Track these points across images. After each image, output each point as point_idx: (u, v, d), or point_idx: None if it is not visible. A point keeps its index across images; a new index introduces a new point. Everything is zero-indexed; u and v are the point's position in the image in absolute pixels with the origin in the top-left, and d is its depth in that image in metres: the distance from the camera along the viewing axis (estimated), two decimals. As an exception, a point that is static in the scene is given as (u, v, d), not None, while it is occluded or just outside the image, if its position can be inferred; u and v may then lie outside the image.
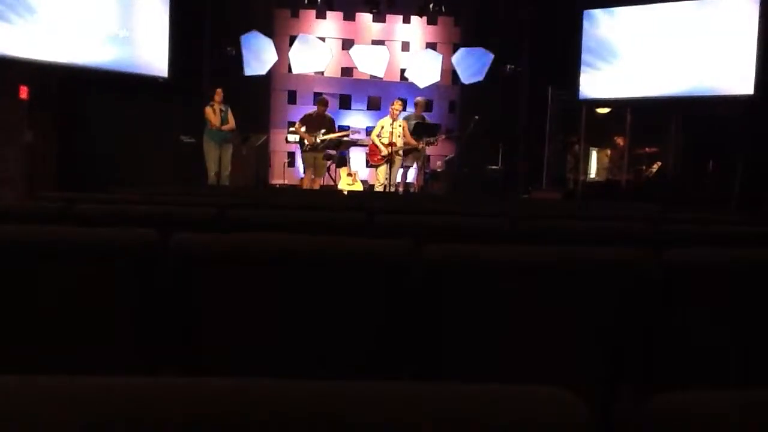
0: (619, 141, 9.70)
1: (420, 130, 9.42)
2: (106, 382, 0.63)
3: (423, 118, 9.86)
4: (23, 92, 7.86)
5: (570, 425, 0.62)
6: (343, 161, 10.55)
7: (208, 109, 8.67)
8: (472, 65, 10.84)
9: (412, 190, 9.76)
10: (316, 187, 9.36)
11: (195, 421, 0.60)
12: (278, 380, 0.64)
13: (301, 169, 10.16)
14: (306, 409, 0.61)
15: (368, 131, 10.60)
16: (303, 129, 9.17)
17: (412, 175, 10.02)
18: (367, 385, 0.64)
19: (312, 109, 10.02)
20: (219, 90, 8.74)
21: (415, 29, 12.35)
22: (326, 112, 9.43)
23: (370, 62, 11.30)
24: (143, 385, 0.63)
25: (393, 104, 9.29)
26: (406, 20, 12.27)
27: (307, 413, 0.61)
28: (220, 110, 8.70)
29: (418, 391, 0.64)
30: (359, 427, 0.60)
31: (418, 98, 10.02)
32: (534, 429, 0.61)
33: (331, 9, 11.62)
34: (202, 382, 0.63)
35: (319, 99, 9.73)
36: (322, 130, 9.17)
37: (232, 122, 8.82)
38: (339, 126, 10.70)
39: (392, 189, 9.05)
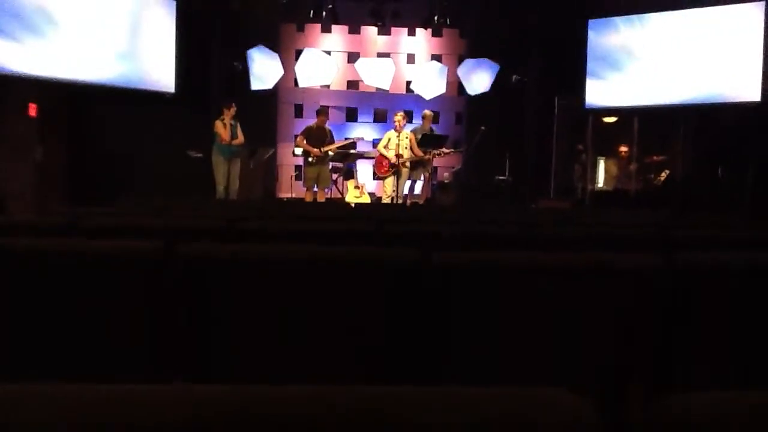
0: (624, 150, 9.67)
1: (427, 141, 9.43)
2: (111, 389, 0.63)
3: (432, 130, 9.87)
4: (32, 110, 7.93)
5: (574, 426, 0.61)
6: (350, 174, 10.56)
7: (218, 123, 8.68)
8: (477, 76, 10.87)
9: (419, 202, 9.76)
10: (321, 199, 9.35)
11: (200, 428, 0.59)
12: (282, 387, 0.64)
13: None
14: (312, 416, 0.61)
15: (375, 143, 10.61)
16: (305, 142, 9.16)
17: (418, 188, 10.02)
18: (371, 389, 0.64)
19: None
20: (233, 105, 8.73)
21: (421, 41, 12.40)
22: (326, 124, 9.39)
23: (375, 75, 11.34)
24: (147, 392, 0.63)
25: (395, 116, 9.29)
26: (411, 33, 12.32)
27: (314, 420, 0.60)
28: (230, 125, 8.71)
29: (423, 394, 0.64)
30: (353, 430, 0.60)
31: (426, 111, 10.00)
32: (538, 430, 0.61)
33: (337, 23, 11.68)
34: (206, 390, 0.63)
35: (318, 110, 9.67)
36: (326, 140, 9.17)
37: (241, 137, 8.81)
38: (345, 138, 10.73)
39: (399, 201, 9.05)
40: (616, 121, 10.23)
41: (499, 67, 10.67)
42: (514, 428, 0.61)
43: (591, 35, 9.54)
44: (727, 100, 8.41)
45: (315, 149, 9.04)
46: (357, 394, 0.63)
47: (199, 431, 0.59)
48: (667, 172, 9.28)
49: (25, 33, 7.49)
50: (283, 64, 10.79)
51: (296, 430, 0.60)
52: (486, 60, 10.77)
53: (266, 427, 0.60)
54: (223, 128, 8.64)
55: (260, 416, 0.60)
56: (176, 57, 9.08)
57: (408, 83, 11.87)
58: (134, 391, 0.63)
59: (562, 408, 0.63)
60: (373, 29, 11.96)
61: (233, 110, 8.71)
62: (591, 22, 9.53)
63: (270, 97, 11.19)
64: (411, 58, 12.40)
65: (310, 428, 0.60)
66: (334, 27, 12.00)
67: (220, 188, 8.67)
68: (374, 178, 10.54)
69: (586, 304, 1.58)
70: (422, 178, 9.70)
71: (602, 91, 9.44)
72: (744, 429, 0.60)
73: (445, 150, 9.54)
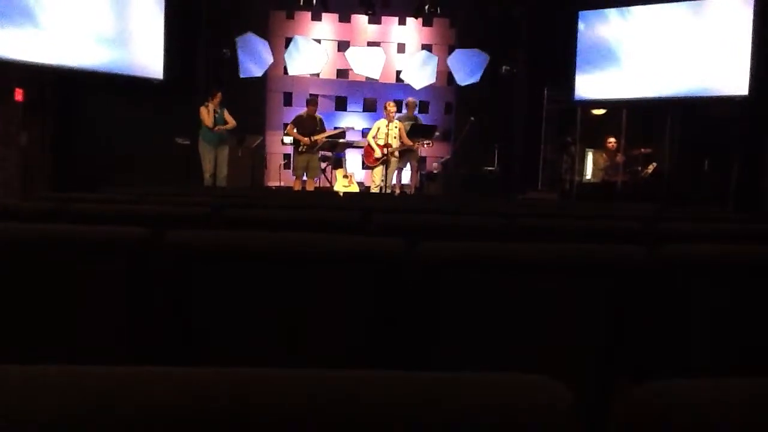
0: (611, 141, 9.71)
1: (416, 131, 9.41)
2: (93, 370, 0.63)
3: (416, 118, 9.86)
4: (18, 94, 7.84)
5: (553, 410, 0.62)
6: (339, 163, 10.54)
7: (203, 109, 8.63)
8: (467, 66, 10.87)
9: (408, 191, 9.75)
10: (310, 188, 9.33)
11: (181, 409, 0.59)
12: (264, 369, 0.64)
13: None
14: (291, 398, 0.61)
15: (364, 133, 10.59)
16: (295, 131, 9.13)
17: (406, 177, 10.01)
18: (348, 374, 0.64)
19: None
20: (219, 93, 8.69)
21: (411, 31, 12.36)
22: (316, 113, 9.37)
23: (365, 64, 11.30)
24: (127, 374, 0.63)
25: (386, 106, 9.28)
26: (402, 22, 12.28)
27: (291, 402, 0.61)
28: (215, 111, 8.65)
29: (401, 379, 0.64)
30: (334, 413, 0.60)
31: (409, 99, 10.02)
32: (517, 415, 0.61)
33: (327, 11, 11.62)
34: (189, 372, 0.63)
35: (309, 99, 9.65)
36: (317, 129, 9.14)
37: (231, 121, 8.76)
38: (335, 127, 10.69)
39: (388, 191, 9.05)
40: (604, 114, 10.26)
41: (488, 57, 10.66)
42: (492, 413, 0.61)
43: (580, 27, 9.54)
44: (714, 94, 8.46)
45: (305, 138, 9.01)
46: (331, 378, 0.64)
47: (182, 412, 0.59)
48: (654, 164, 9.33)
49: (11, 17, 7.40)
50: (272, 51, 10.72)
51: (283, 414, 0.60)
52: (476, 50, 10.77)
53: (255, 410, 0.60)
54: (207, 114, 8.58)
55: (249, 399, 0.60)
56: (165, 43, 9.00)
57: (398, 72, 11.85)
58: (122, 372, 0.63)
59: (540, 393, 0.63)
60: (364, 18, 11.91)
61: (219, 98, 8.65)
62: (581, 13, 9.54)
63: (259, 84, 11.14)
64: (401, 48, 12.37)
65: (293, 412, 0.60)
66: (324, 15, 11.94)
67: (207, 175, 8.63)
68: (363, 168, 10.53)
69: (572, 296, 1.59)
70: (409, 166, 9.69)
71: (591, 83, 9.46)
72: (715, 415, 0.61)
73: (426, 141, 9.49)
